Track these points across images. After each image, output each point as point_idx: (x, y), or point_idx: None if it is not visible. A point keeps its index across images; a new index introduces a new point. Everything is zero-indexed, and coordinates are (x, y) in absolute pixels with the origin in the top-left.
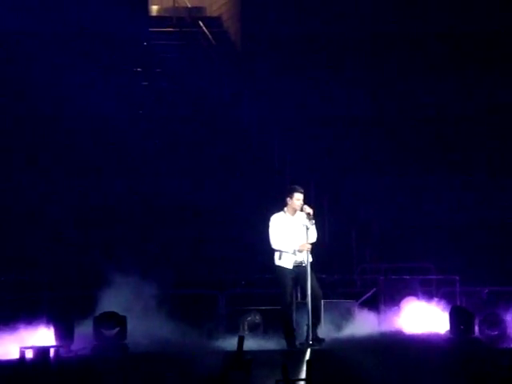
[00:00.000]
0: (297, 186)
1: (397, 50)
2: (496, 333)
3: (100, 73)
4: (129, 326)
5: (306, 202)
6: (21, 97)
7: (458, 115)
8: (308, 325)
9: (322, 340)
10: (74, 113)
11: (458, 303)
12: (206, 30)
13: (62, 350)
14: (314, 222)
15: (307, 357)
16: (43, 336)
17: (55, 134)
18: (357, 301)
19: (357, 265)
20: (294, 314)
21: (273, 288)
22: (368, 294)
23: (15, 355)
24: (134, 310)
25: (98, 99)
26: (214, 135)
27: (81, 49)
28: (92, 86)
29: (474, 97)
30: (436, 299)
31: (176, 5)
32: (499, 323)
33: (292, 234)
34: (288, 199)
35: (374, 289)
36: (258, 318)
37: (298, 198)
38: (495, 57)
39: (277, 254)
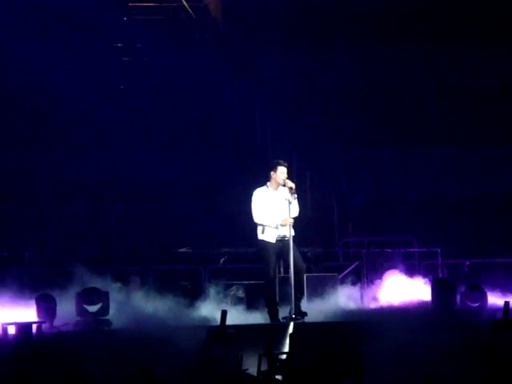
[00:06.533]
0: (281, 161)
1: (385, 21)
2: (477, 305)
3: (80, 49)
4: (111, 302)
5: (289, 176)
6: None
7: (440, 88)
8: (291, 299)
9: (305, 314)
10: (55, 89)
11: (440, 276)
12: (186, 4)
13: (44, 325)
14: (296, 196)
15: (290, 330)
16: (25, 312)
17: (36, 109)
18: (339, 274)
19: (339, 238)
20: (277, 288)
21: (256, 262)
22: (350, 268)
23: None
24: (117, 286)
25: (79, 75)
26: (195, 110)
27: (60, 25)
28: (72, 62)
29: (466, 70)
30: (418, 272)
31: None
32: (480, 295)
33: (275, 208)
34: (272, 173)
35: (357, 262)
36: (241, 292)
37: (282, 171)
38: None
39: (260, 229)
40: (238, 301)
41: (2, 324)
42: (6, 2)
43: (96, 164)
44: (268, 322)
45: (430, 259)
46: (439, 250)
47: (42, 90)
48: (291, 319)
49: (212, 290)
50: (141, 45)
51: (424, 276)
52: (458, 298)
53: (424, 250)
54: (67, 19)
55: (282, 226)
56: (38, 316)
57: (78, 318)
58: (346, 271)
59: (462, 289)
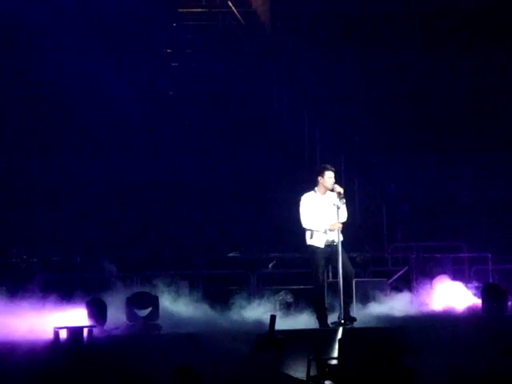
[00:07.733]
0: (328, 165)
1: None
2: None
3: (130, 54)
4: (161, 307)
5: (337, 180)
6: (52, 78)
7: (487, 94)
8: (340, 304)
9: (354, 319)
10: (104, 94)
11: (491, 281)
12: (234, 10)
13: (95, 330)
14: (344, 201)
15: (339, 336)
16: (77, 316)
17: (85, 114)
18: (388, 279)
19: (388, 243)
20: (326, 293)
21: (305, 267)
22: (400, 273)
23: (49, 335)
24: (166, 291)
25: (128, 81)
26: (244, 115)
27: (110, 31)
28: (122, 67)
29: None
30: (468, 277)
31: None
32: None
33: (323, 213)
34: (319, 178)
35: (406, 267)
36: (289, 297)
37: (329, 176)
38: None
39: (308, 234)
40: (286, 306)
41: (54, 328)
42: (56, 9)
43: (145, 169)
44: (317, 327)
45: (480, 264)
46: (489, 255)
47: (90, 96)
48: (340, 324)
49: (261, 295)
50: (190, 50)
51: (474, 281)
52: (510, 303)
53: (474, 254)
54: (117, 25)
55: (331, 230)
56: (89, 320)
57: (128, 323)
58: (395, 276)
59: None
